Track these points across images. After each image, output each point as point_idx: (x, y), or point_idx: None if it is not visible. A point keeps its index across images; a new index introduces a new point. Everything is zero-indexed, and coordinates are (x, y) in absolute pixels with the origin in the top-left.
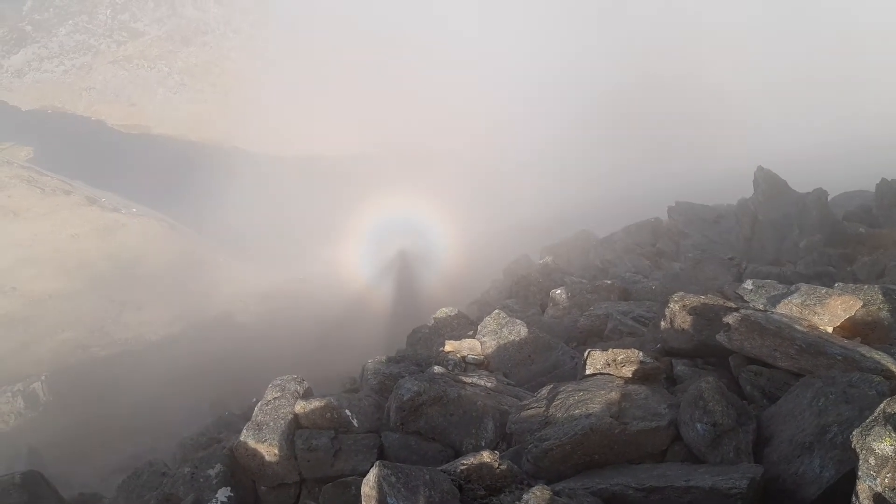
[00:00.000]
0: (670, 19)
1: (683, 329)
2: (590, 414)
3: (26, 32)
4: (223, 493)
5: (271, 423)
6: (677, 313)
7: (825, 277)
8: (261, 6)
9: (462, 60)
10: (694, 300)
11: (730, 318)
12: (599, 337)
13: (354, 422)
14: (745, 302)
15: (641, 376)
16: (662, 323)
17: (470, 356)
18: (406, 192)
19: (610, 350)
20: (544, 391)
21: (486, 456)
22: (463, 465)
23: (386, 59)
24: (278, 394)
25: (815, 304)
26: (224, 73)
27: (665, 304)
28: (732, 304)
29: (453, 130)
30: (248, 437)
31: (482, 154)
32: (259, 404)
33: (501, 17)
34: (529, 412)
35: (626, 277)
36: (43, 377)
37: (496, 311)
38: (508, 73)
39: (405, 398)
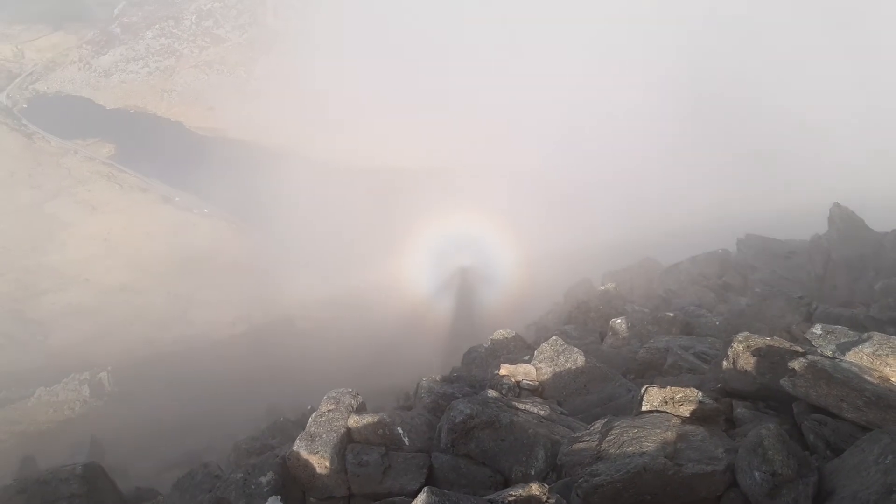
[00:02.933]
0: (747, 45)
1: (746, 370)
2: (644, 452)
3: (115, 35)
4: (273, 502)
5: (324, 436)
6: (741, 353)
7: None
8: (337, 23)
9: (534, 77)
10: (759, 341)
11: (796, 364)
12: (658, 371)
13: (405, 440)
14: (813, 347)
15: (699, 417)
16: (725, 362)
17: (525, 381)
18: (471, 208)
19: (668, 388)
20: (598, 424)
21: (535, 488)
22: (511, 496)
23: (457, 75)
24: (333, 406)
25: (887, 355)
26: (298, 83)
27: (728, 342)
28: (799, 349)
29: (523, 149)
30: (300, 448)
31: (551, 174)
32: (314, 415)
33: (575, 41)
34: (582, 445)
35: (690, 311)
36: (109, 368)
37: (554, 337)
38: (582, 94)
39: (457, 420)
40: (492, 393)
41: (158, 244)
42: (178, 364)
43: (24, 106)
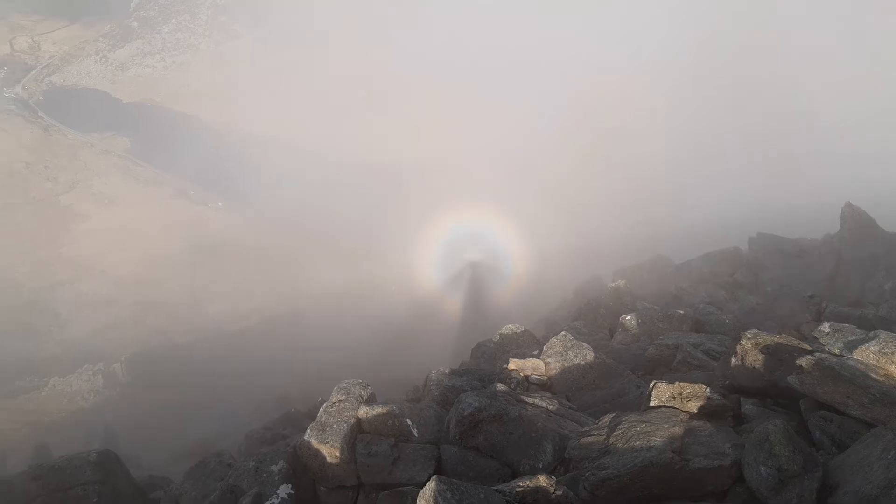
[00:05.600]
0: (760, 38)
1: (754, 367)
2: (651, 447)
3: (132, 29)
4: (284, 490)
5: (335, 426)
6: (749, 351)
7: None
8: (347, 17)
9: (548, 68)
10: (767, 339)
11: (803, 361)
12: (667, 367)
13: (415, 431)
14: (821, 344)
15: (707, 412)
16: (733, 359)
17: (533, 376)
18: (482, 202)
19: (677, 383)
20: (606, 419)
21: (542, 480)
22: (519, 487)
23: (471, 66)
24: (343, 396)
25: (893, 353)
26: (315, 79)
27: (737, 339)
28: (807, 346)
29: (535, 143)
30: (311, 437)
31: (563, 169)
32: (324, 405)
33: (590, 28)
34: (590, 439)
35: (700, 308)
36: (123, 358)
37: (563, 332)
38: (596, 88)
39: (466, 413)
40: (500, 387)
41: (173, 237)
42: (191, 355)
43: (41, 98)
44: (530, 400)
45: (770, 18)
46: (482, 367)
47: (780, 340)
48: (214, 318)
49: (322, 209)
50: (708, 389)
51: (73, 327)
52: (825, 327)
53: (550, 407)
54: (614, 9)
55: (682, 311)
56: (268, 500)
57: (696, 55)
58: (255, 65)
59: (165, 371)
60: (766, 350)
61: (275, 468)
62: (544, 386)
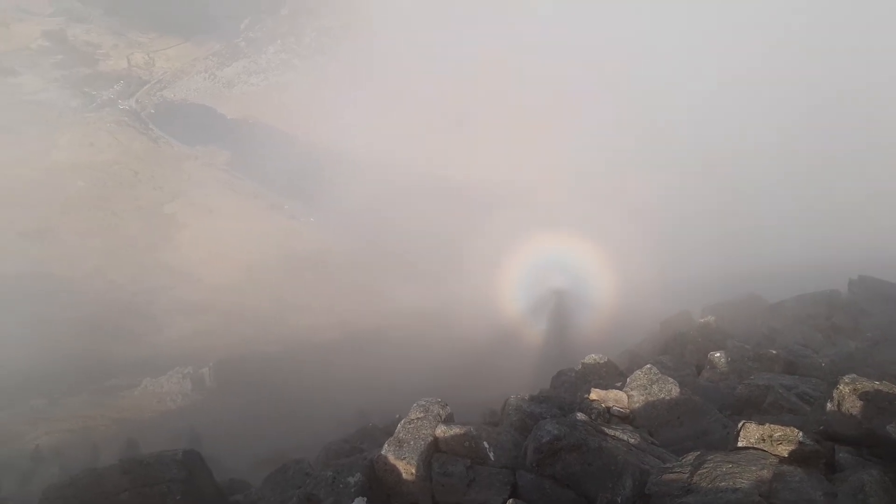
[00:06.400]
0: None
1: (851, 414)
2: (737, 489)
3: (240, 48)
4: (360, 502)
5: (412, 443)
6: (846, 396)
7: None
8: (442, 41)
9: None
10: (867, 385)
11: None
12: (757, 409)
13: (491, 455)
14: None
15: (798, 458)
16: (829, 404)
17: (615, 408)
18: (570, 229)
19: (767, 425)
20: (690, 456)
21: None
22: None
23: (570, 93)
24: (421, 414)
25: None
26: (406, 100)
27: (834, 384)
28: None
29: (632, 171)
30: (388, 452)
31: (656, 198)
32: (402, 422)
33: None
34: (672, 476)
35: (794, 350)
36: (211, 364)
37: (648, 365)
38: (691, 116)
39: (544, 440)
40: (581, 416)
41: (265, 248)
42: (275, 365)
43: (152, 111)
44: (611, 432)
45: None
46: (562, 395)
47: (881, 388)
48: (299, 329)
49: (406, 228)
50: (800, 433)
51: (166, 331)
52: None
53: (632, 440)
54: (706, 28)
55: (774, 352)
56: None
57: (802, 74)
58: (350, 86)
59: (249, 378)
60: (865, 397)
61: (351, 480)
62: (626, 419)
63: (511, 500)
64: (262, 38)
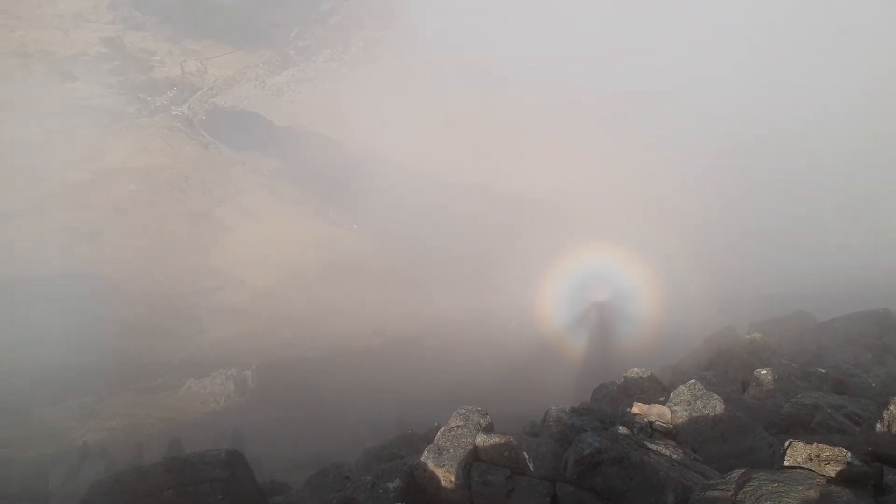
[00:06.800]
0: None
1: None
2: None
3: (289, 57)
4: None
5: (451, 450)
6: None
7: None
8: (492, 52)
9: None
10: None
11: None
12: (804, 428)
13: (531, 465)
14: None
15: (846, 478)
16: (878, 425)
17: (658, 423)
18: (612, 242)
19: (815, 444)
20: (735, 474)
21: None
22: None
23: (619, 106)
24: (461, 422)
25: None
26: (452, 110)
27: (884, 405)
28: None
29: (675, 185)
30: (428, 459)
31: (704, 216)
32: (442, 430)
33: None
34: (715, 493)
35: (844, 369)
36: (254, 367)
37: (692, 380)
38: (738, 129)
39: (585, 452)
40: (622, 430)
41: (308, 254)
42: (315, 369)
43: (203, 117)
44: (653, 447)
45: None
46: (603, 408)
47: None
48: (338, 335)
49: (447, 238)
50: (849, 454)
51: (210, 333)
52: None
53: (674, 456)
54: (763, 47)
55: (823, 370)
56: None
57: (862, 97)
58: (395, 96)
59: (289, 382)
60: None
61: (391, 485)
62: (669, 434)
63: None
64: (311, 46)
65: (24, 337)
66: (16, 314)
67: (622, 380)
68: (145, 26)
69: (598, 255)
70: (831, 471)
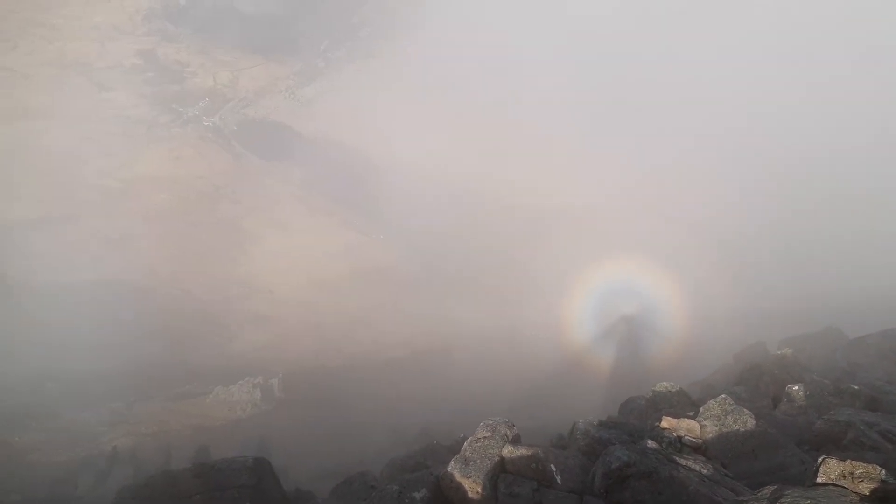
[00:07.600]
0: None
1: None
2: None
3: (319, 68)
4: None
5: (478, 461)
6: None
7: None
8: (516, 64)
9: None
10: None
11: None
12: (836, 445)
13: (558, 478)
14: None
15: (881, 496)
16: None
17: (687, 437)
18: (640, 255)
19: (848, 461)
20: (766, 490)
21: None
22: None
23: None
24: (488, 433)
25: None
26: (478, 120)
27: None
28: None
29: (705, 196)
30: (454, 469)
31: (734, 228)
32: (469, 440)
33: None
34: None
35: (877, 386)
36: (280, 375)
37: (723, 395)
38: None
39: (613, 466)
40: (651, 444)
41: (335, 264)
42: (341, 379)
43: (234, 128)
44: (683, 461)
45: None
46: (632, 422)
47: None
48: (364, 345)
49: (473, 249)
50: (883, 471)
51: (237, 341)
52: None
53: (704, 471)
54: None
55: (856, 387)
56: None
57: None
58: (423, 106)
59: (315, 391)
60: None
61: (417, 495)
62: (698, 449)
63: None
64: (341, 58)
65: (54, 342)
66: (47, 320)
67: (650, 394)
68: (179, 38)
69: (626, 267)
70: (865, 488)
